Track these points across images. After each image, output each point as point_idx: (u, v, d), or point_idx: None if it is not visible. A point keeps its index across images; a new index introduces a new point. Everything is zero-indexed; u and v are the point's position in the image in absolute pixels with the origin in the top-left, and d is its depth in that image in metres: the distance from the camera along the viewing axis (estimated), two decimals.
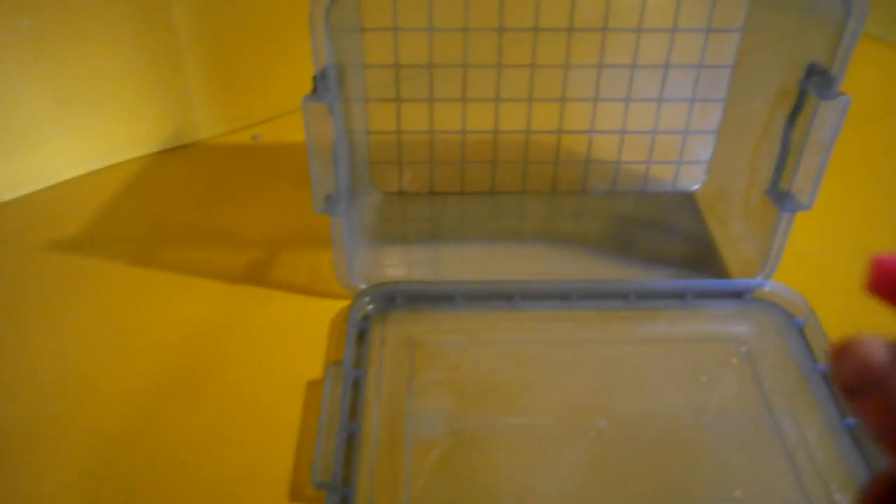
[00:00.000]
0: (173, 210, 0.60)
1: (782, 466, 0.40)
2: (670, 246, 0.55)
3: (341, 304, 0.51)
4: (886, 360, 0.18)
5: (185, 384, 0.46)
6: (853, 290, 0.53)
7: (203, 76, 0.64)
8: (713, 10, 0.53)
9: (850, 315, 0.50)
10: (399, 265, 0.54)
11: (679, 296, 0.50)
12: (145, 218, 0.59)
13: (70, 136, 0.61)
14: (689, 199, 0.60)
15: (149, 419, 0.44)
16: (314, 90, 0.43)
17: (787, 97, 0.47)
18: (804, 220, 0.48)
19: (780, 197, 0.48)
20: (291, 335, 0.49)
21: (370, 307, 0.49)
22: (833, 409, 0.43)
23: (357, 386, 0.44)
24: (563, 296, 0.50)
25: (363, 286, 0.50)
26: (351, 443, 0.41)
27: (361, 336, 0.48)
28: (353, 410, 0.43)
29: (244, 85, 0.67)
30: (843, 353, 0.18)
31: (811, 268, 0.53)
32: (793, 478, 0.40)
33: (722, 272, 0.52)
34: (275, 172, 0.63)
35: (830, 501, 0.38)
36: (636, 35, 0.53)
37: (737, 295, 0.50)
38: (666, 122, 0.57)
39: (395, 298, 0.50)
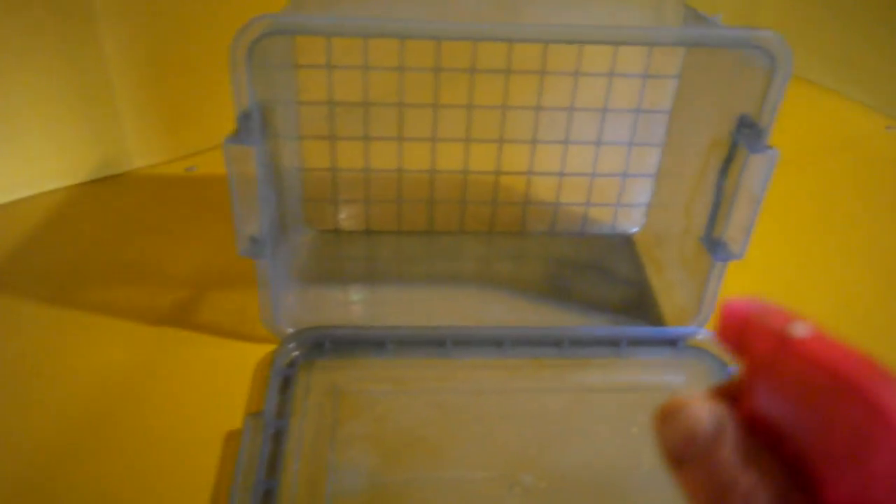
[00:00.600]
0: (99, 244, 0.57)
1: None
2: (607, 290, 0.55)
3: (267, 349, 0.49)
4: (712, 427, 0.16)
5: (98, 434, 0.43)
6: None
7: (136, 104, 0.62)
8: (650, 56, 0.53)
9: None
10: (329, 307, 0.52)
11: (613, 343, 0.49)
12: (68, 252, 0.56)
13: None
14: (628, 242, 0.59)
15: (58, 471, 0.41)
16: (236, 132, 0.42)
17: (720, 147, 0.47)
18: (738, 268, 0.48)
19: (713, 245, 0.48)
20: (214, 381, 0.47)
21: (296, 353, 0.48)
22: None
23: (278, 438, 0.43)
24: (496, 342, 0.49)
25: (290, 330, 0.48)
26: (267, 498, 0.40)
27: (286, 383, 0.46)
28: (272, 464, 0.41)
29: (181, 114, 0.65)
30: (667, 418, 0.17)
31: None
32: None
33: (657, 318, 0.52)
34: (208, 206, 0.62)
35: None
36: (574, 78, 0.53)
37: (671, 343, 0.50)
38: (605, 165, 0.57)
39: (323, 344, 0.48)
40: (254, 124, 0.42)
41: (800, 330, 0.16)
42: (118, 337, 0.49)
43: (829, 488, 0.15)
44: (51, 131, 0.60)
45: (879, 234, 0.64)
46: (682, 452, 0.16)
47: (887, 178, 0.71)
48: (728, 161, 0.47)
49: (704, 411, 0.16)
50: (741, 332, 0.17)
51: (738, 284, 0.50)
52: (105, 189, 0.63)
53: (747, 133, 0.45)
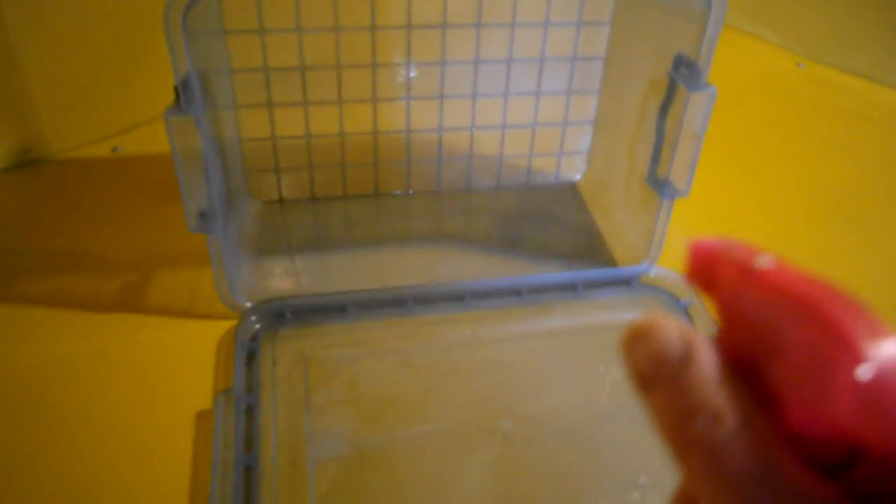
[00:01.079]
0: (26, 234, 0.54)
1: None
2: (558, 238, 0.56)
3: (227, 325, 0.48)
4: (680, 350, 0.16)
5: (56, 431, 0.41)
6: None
7: (50, 84, 0.58)
8: (582, 5, 0.53)
9: None
10: (284, 277, 0.51)
11: (570, 287, 0.51)
12: None
13: None
14: (572, 189, 0.60)
15: (25, 472, 0.39)
16: (176, 101, 0.40)
17: (658, 88, 0.49)
18: (683, 205, 0.50)
19: (659, 185, 0.49)
20: (174, 364, 0.46)
21: (257, 326, 0.47)
22: None
23: (250, 412, 0.42)
24: (457, 297, 0.49)
25: (248, 304, 0.47)
26: (249, 474, 0.39)
27: (251, 357, 0.45)
28: (249, 439, 0.41)
29: (100, 92, 0.61)
30: (636, 340, 0.16)
31: None
32: None
33: (610, 260, 0.53)
34: (140, 186, 0.59)
35: None
36: (510, 30, 0.53)
37: (625, 282, 0.51)
38: (544, 115, 0.57)
39: (284, 314, 0.47)
40: (194, 93, 0.40)
41: (763, 261, 0.16)
42: (64, 328, 0.47)
43: (793, 411, 0.16)
44: None
45: (804, 163, 0.67)
46: (650, 374, 0.16)
47: (804, 112, 0.75)
48: (667, 101, 0.48)
49: (673, 334, 0.16)
50: (708, 268, 0.17)
51: (683, 221, 0.52)
52: (25, 177, 0.59)
53: (685, 72, 0.46)
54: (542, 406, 0.43)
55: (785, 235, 0.59)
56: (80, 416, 0.42)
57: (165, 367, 0.45)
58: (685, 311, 0.50)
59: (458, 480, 0.39)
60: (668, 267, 0.52)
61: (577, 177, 0.61)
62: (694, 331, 0.16)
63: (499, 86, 0.55)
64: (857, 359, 0.14)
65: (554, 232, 0.57)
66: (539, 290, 0.50)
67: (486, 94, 0.55)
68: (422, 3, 0.51)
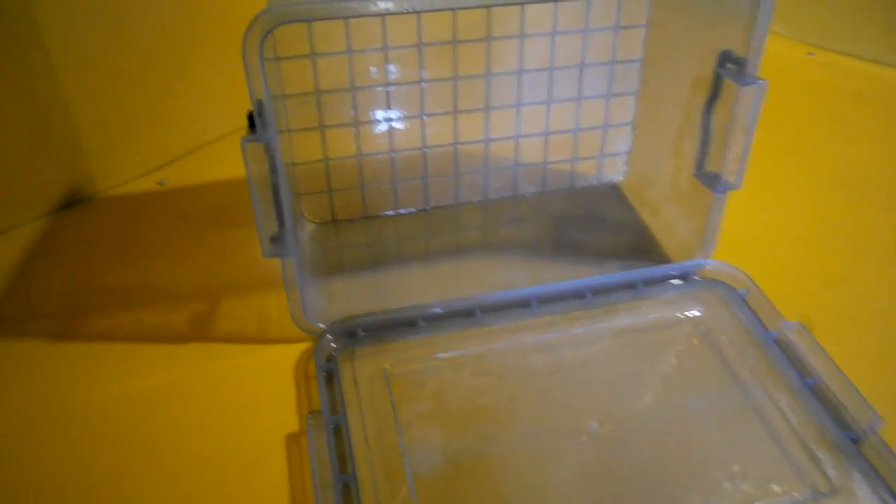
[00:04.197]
0: (82, 273, 0.54)
1: (764, 435, 0.42)
2: (608, 238, 0.57)
3: (299, 349, 0.48)
4: None
5: (145, 469, 0.41)
6: (785, 256, 0.57)
7: (93, 122, 0.58)
8: (619, 10, 0.54)
9: (784, 279, 0.54)
10: (350, 296, 0.52)
11: (630, 286, 0.51)
12: (55, 286, 0.53)
13: None
14: (614, 190, 0.61)
15: None
16: (251, 128, 0.41)
17: (703, 85, 0.50)
18: (731, 199, 0.51)
19: (710, 179, 0.50)
20: (254, 389, 0.46)
21: (333, 346, 0.47)
22: (792, 372, 0.45)
23: (339, 432, 0.42)
24: (524, 303, 0.50)
25: (321, 325, 0.48)
26: (348, 492, 0.39)
27: (330, 378, 0.46)
28: (342, 459, 0.41)
29: (139, 127, 0.62)
30: None
31: (742, 241, 0.56)
32: (776, 445, 0.42)
33: (663, 257, 0.54)
34: (189, 217, 0.59)
35: (813, 459, 0.41)
36: (551, 39, 0.54)
37: (683, 277, 0.52)
38: (584, 120, 0.58)
39: (356, 333, 0.48)
40: (268, 119, 0.41)
41: None
42: (135, 364, 0.47)
43: None
44: (6, 164, 0.56)
45: (824, 148, 0.68)
46: None
47: (824, 99, 0.77)
48: (713, 97, 0.49)
49: None
50: None
51: (733, 214, 0.53)
52: (75, 216, 0.60)
53: (733, 69, 0.47)
54: (623, 403, 0.44)
55: (826, 214, 0.60)
56: (168, 450, 0.42)
57: (246, 393, 0.46)
58: (744, 301, 0.50)
59: (552, 482, 0.40)
60: (722, 259, 0.53)
61: (619, 178, 0.62)
62: None
63: (541, 94, 0.56)
64: None
65: (603, 233, 0.57)
66: (602, 291, 0.51)
67: (529, 103, 0.56)
68: (466, 19, 0.52)
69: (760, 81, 0.46)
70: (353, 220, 0.58)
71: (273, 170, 0.42)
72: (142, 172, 0.63)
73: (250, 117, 0.40)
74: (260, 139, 0.40)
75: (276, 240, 0.44)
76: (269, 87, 0.48)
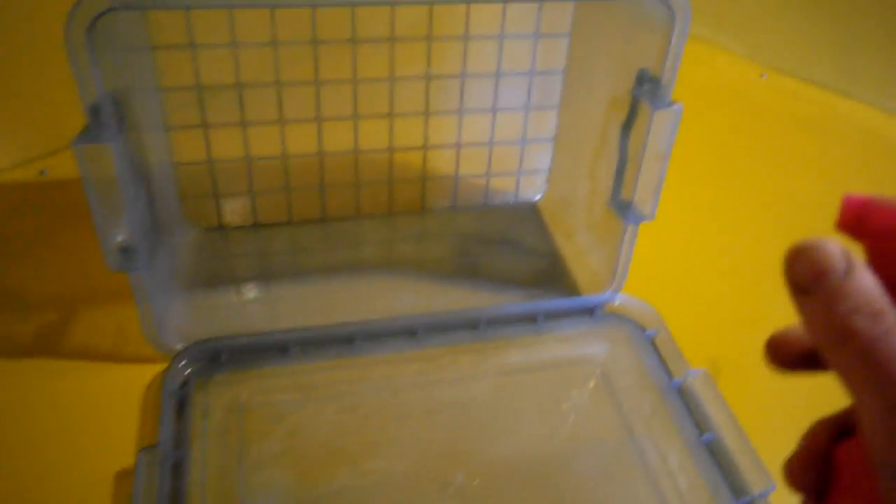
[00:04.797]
0: None
1: (647, 496, 0.38)
2: (517, 263, 0.53)
3: (157, 370, 0.43)
4: (843, 262, 0.18)
5: None
6: (700, 294, 0.53)
7: None
8: (540, 15, 0.50)
9: (698, 318, 0.50)
10: (224, 314, 0.47)
11: (530, 319, 0.47)
12: None
13: None
14: (532, 210, 0.57)
15: None
16: (86, 128, 0.36)
17: (620, 105, 0.46)
18: (648, 229, 0.47)
19: (623, 208, 0.46)
20: (96, 414, 0.41)
21: (188, 371, 0.43)
22: (690, 426, 0.42)
23: (178, 471, 0.38)
24: (409, 332, 0.46)
25: (179, 346, 0.43)
26: None
27: (181, 406, 0.41)
28: (174, 502, 0.36)
29: (27, 113, 0.57)
30: (798, 253, 0.19)
31: (658, 277, 0.52)
32: None
33: (572, 287, 0.50)
34: (69, 213, 0.54)
35: None
36: (463, 42, 0.50)
37: (588, 311, 0.48)
38: (501, 132, 0.54)
39: (219, 356, 0.43)
40: (106, 118, 0.36)
41: None
42: None
43: None
44: None
45: (776, 179, 0.65)
46: (809, 284, 0.18)
47: (771, 124, 0.73)
48: (630, 119, 0.45)
49: (835, 248, 0.18)
50: (861, 218, 0.20)
51: (648, 245, 0.49)
52: None
53: (648, 89, 0.43)
54: (500, 453, 0.40)
55: (752, 249, 0.56)
56: None
57: (85, 419, 0.41)
58: (651, 342, 0.47)
59: None
60: (634, 293, 0.49)
61: (538, 196, 0.58)
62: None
63: (453, 102, 0.52)
64: None
65: (513, 257, 0.53)
66: (497, 323, 0.47)
67: (440, 112, 0.52)
68: (369, 16, 0.47)
69: (675, 105, 0.42)
70: (243, 228, 0.53)
71: (117, 175, 0.37)
72: (22, 160, 0.58)
73: (87, 115, 0.36)
74: (96, 140, 0.36)
75: (126, 251, 0.39)
76: (138, 78, 0.44)
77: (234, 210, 0.53)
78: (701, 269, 0.55)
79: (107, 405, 0.42)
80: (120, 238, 0.39)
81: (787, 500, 0.36)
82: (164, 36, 0.45)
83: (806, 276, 0.19)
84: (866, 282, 0.18)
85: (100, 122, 0.35)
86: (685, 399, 0.43)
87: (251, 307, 0.48)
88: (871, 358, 0.17)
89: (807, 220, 0.59)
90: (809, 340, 0.21)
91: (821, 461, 0.22)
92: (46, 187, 0.57)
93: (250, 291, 0.49)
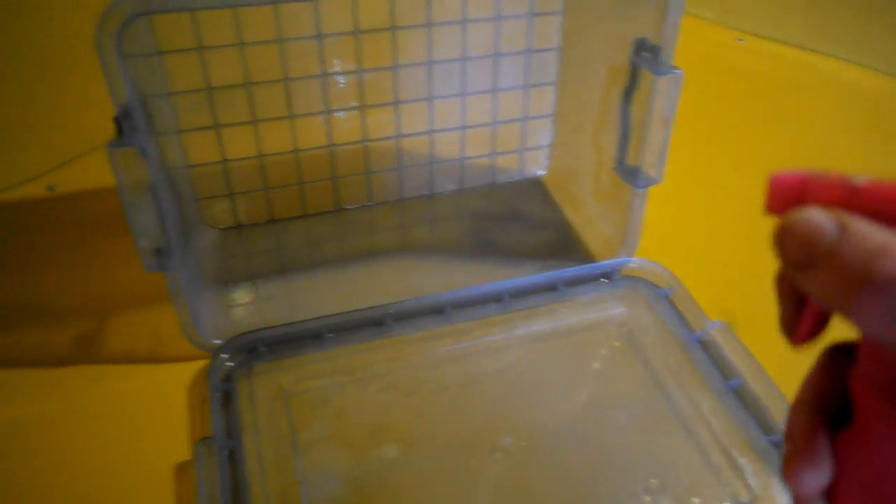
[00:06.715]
0: None
1: (685, 444, 0.40)
2: (530, 237, 0.54)
3: (197, 366, 0.45)
4: (833, 231, 0.17)
5: (23, 501, 0.38)
6: (711, 251, 0.55)
7: None
8: None
9: (712, 276, 0.52)
10: (252, 308, 0.48)
11: (551, 288, 0.49)
12: None
13: None
14: (537, 184, 0.59)
15: None
16: (119, 132, 0.37)
17: (620, 74, 0.47)
18: (652, 194, 0.49)
19: (630, 173, 0.48)
20: (143, 414, 0.42)
21: (230, 364, 0.44)
22: (716, 374, 0.44)
23: (234, 458, 0.39)
24: (437, 310, 0.47)
25: (218, 341, 0.44)
26: None
27: (227, 398, 0.42)
28: (236, 489, 0.38)
29: (28, 130, 0.57)
30: (788, 230, 0.18)
31: (668, 237, 0.54)
32: (697, 453, 0.40)
33: (586, 255, 0.52)
34: (82, 224, 0.55)
35: (735, 468, 0.39)
36: (461, 27, 0.51)
37: (605, 276, 0.50)
38: (502, 112, 0.56)
39: (257, 348, 0.45)
40: (137, 121, 0.37)
41: (861, 179, 0.18)
42: (15, 389, 0.43)
43: None
44: None
45: (757, 136, 0.67)
46: (806, 257, 0.17)
47: (751, 86, 0.75)
48: (630, 87, 0.47)
49: (817, 214, 0.17)
50: (797, 198, 0.19)
51: (655, 209, 0.51)
52: None
53: (648, 57, 0.45)
54: (540, 415, 0.42)
55: (752, 206, 0.58)
56: (46, 484, 0.38)
57: (135, 419, 0.42)
58: (668, 300, 0.48)
59: None
60: (646, 256, 0.50)
61: (541, 171, 0.59)
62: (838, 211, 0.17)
63: (454, 86, 0.53)
64: None
65: (525, 231, 0.55)
66: (520, 294, 0.48)
67: (442, 96, 0.53)
68: (368, 6, 0.48)
69: (676, 70, 0.44)
70: (259, 225, 0.54)
71: (149, 177, 0.38)
72: (27, 177, 0.58)
73: (118, 120, 0.36)
74: (129, 143, 0.36)
75: (160, 252, 0.40)
76: (150, 84, 0.44)
77: (250, 208, 0.54)
78: (709, 230, 0.57)
79: (154, 404, 0.43)
80: (155, 240, 0.40)
81: None
82: (171, 40, 0.46)
83: (801, 251, 0.18)
84: (867, 228, 0.17)
85: (131, 126, 0.36)
86: (707, 350, 0.45)
87: (279, 299, 0.49)
88: None
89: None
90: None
91: (822, 458, 0.20)
92: (56, 202, 0.57)
93: (276, 285, 0.50)
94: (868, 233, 0.17)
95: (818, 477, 0.20)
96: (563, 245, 0.53)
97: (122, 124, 0.36)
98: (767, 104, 0.73)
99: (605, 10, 0.49)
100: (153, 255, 0.40)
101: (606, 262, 0.50)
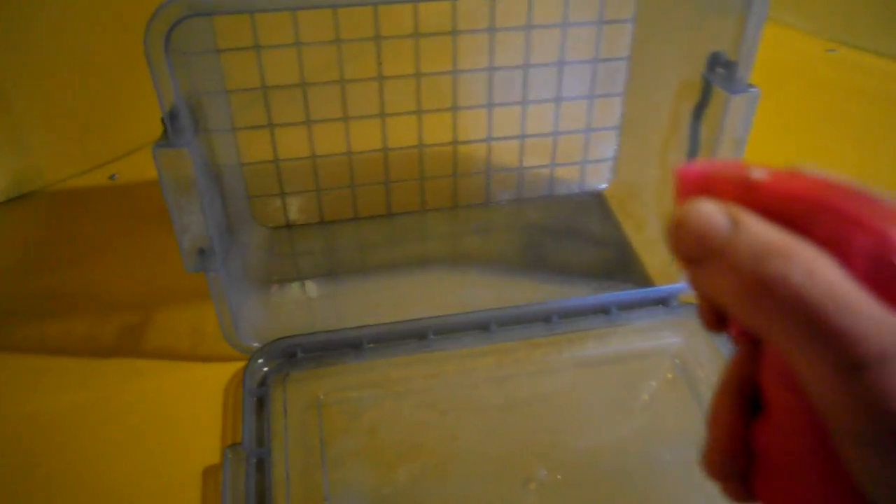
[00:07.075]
0: (20, 273, 0.51)
1: None
2: (586, 254, 0.52)
3: (235, 367, 0.44)
4: (725, 225, 0.17)
5: (49, 494, 0.38)
6: None
7: (41, 113, 0.55)
8: (603, 2, 0.49)
9: None
10: (296, 311, 0.48)
11: (603, 310, 0.47)
12: None
13: None
14: (598, 198, 0.56)
15: None
16: (164, 133, 0.36)
17: (691, 89, 0.44)
18: None
19: None
20: (179, 413, 0.42)
21: (266, 368, 0.43)
22: None
23: (262, 467, 0.38)
24: (482, 326, 0.45)
25: (256, 344, 0.44)
26: None
27: (261, 404, 0.42)
28: (261, 499, 0.37)
29: (94, 119, 0.58)
30: (682, 223, 0.17)
31: None
32: None
33: (644, 278, 0.49)
34: (140, 215, 0.56)
35: None
36: (526, 33, 0.49)
37: (663, 302, 0.47)
38: (565, 122, 0.53)
39: (295, 353, 0.44)
40: (183, 122, 0.36)
41: (758, 174, 0.17)
42: (59, 377, 0.44)
43: None
44: None
45: (853, 156, 0.62)
46: (699, 252, 0.17)
47: (841, 100, 0.70)
48: (701, 104, 0.44)
49: (716, 213, 0.17)
50: (702, 191, 0.18)
51: None
52: (19, 210, 0.56)
53: (722, 73, 0.42)
54: (580, 447, 0.39)
55: None
56: (76, 475, 0.39)
57: (169, 417, 0.42)
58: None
59: None
60: None
61: (603, 185, 0.57)
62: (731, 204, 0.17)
63: (516, 93, 0.51)
64: (873, 237, 0.15)
65: (582, 247, 0.52)
66: (570, 315, 0.46)
67: (502, 103, 0.51)
68: (429, 9, 0.47)
69: (753, 89, 0.41)
70: (309, 226, 0.53)
71: (194, 178, 0.38)
72: (92, 166, 0.59)
73: (163, 121, 0.36)
74: (174, 145, 0.36)
75: (203, 252, 0.40)
76: (206, 81, 0.44)
77: (301, 208, 0.53)
78: None
79: (188, 403, 0.43)
80: (197, 240, 0.39)
81: None
82: (229, 39, 0.46)
83: (691, 244, 0.17)
84: (759, 226, 0.16)
85: (177, 127, 0.36)
86: None
87: (321, 304, 0.49)
88: (801, 305, 0.15)
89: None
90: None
91: (741, 445, 0.20)
92: (117, 191, 0.58)
93: (320, 288, 0.49)
94: (760, 230, 0.16)
95: (736, 461, 0.20)
96: (620, 265, 0.51)
97: (168, 126, 0.36)
98: (859, 123, 0.68)
99: (679, 20, 0.46)
100: (196, 255, 0.40)
101: (665, 287, 0.48)
